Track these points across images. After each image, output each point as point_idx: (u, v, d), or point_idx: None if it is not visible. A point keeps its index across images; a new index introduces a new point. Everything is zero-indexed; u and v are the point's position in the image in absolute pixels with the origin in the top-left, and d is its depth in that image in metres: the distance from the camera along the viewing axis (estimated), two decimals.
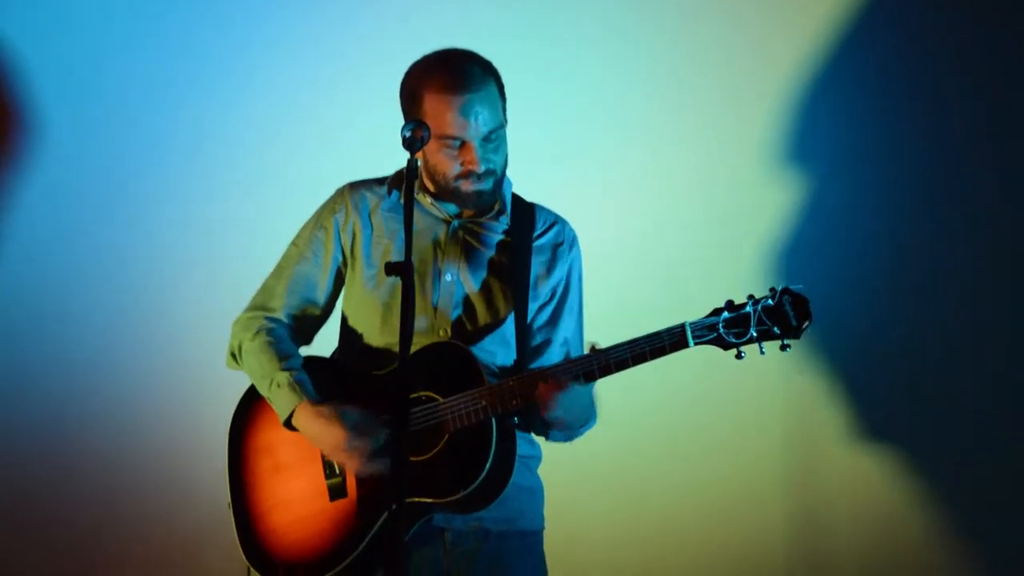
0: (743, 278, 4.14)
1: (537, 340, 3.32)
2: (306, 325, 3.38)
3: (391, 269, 2.90)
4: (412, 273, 2.88)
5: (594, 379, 3.11)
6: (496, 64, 3.26)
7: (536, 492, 3.35)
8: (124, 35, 4.52)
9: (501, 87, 3.24)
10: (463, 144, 3.19)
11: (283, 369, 3.22)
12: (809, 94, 4.29)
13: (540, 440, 3.36)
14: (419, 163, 3.30)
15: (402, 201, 3.29)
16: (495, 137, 3.21)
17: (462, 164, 3.20)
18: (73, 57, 4.51)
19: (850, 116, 4.29)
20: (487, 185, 3.23)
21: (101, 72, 4.52)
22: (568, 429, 3.22)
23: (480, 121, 3.17)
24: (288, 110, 4.49)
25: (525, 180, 3.41)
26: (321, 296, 3.36)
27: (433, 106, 3.18)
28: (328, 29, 4.49)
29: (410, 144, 3.01)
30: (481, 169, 3.20)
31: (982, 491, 4.24)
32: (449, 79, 3.17)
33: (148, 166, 4.52)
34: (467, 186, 3.22)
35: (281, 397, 3.20)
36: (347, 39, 4.48)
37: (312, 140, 4.47)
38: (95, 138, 4.52)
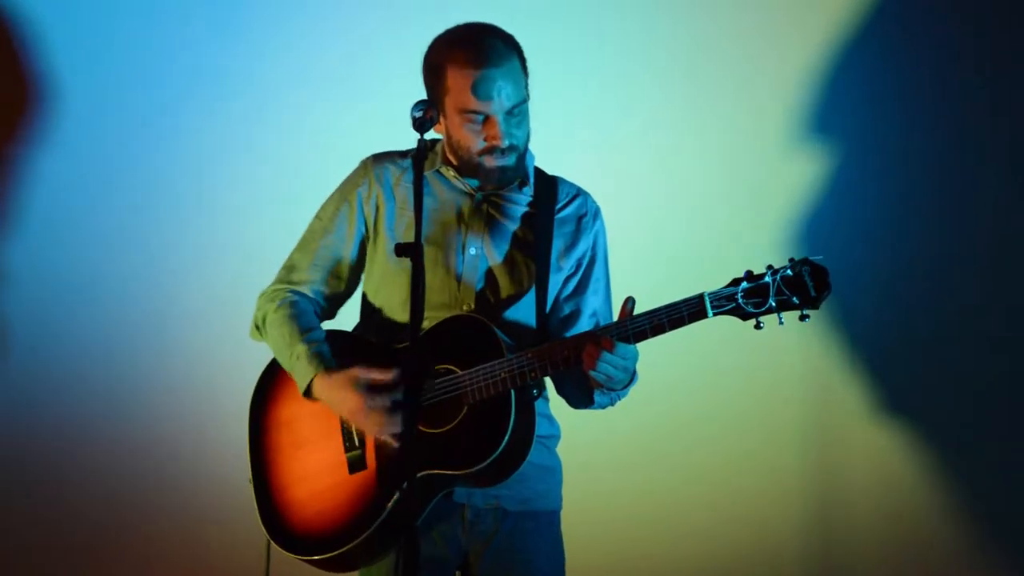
0: (761, 254, 4.12)
1: (565, 311, 3.31)
2: (331, 299, 3.38)
3: (401, 250, 2.91)
4: (422, 254, 2.89)
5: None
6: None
7: (554, 472, 3.34)
8: (130, 27, 4.56)
9: (523, 61, 3.23)
10: (486, 119, 3.18)
11: (304, 341, 3.23)
12: (829, 73, 4.29)
13: (560, 419, 3.36)
14: (441, 137, 3.31)
15: (424, 173, 3.29)
16: (518, 112, 3.20)
17: (485, 139, 3.19)
18: (79, 47, 4.55)
19: (871, 95, 4.28)
20: (510, 160, 3.22)
21: (108, 63, 4.55)
22: (610, 391, 3.19)
23: (504, 96, 3.17)
24: (302, 94, 4.53)
25: (546, 161, 3.40)
26: (346, 270, 3.36)
27: (456, 81, 3.18)
28: (342, 11, 4.51)
29: (420, 125, 3.03)
30: (504, 144, 3.19)
31: (1002, 471, 4.22)
32: (472, 54, 3.17)
33: (162, 153, 4.56)
34: (490, 162, 3.22)
35: (301, 368, 3.21)
36: (361, 21, 4.50)
37: (324, 125, 4.50)
38: (101, 131, 4.55)
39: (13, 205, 4.54)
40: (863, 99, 4.29)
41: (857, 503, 4.27)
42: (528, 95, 3.23)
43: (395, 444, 3.14)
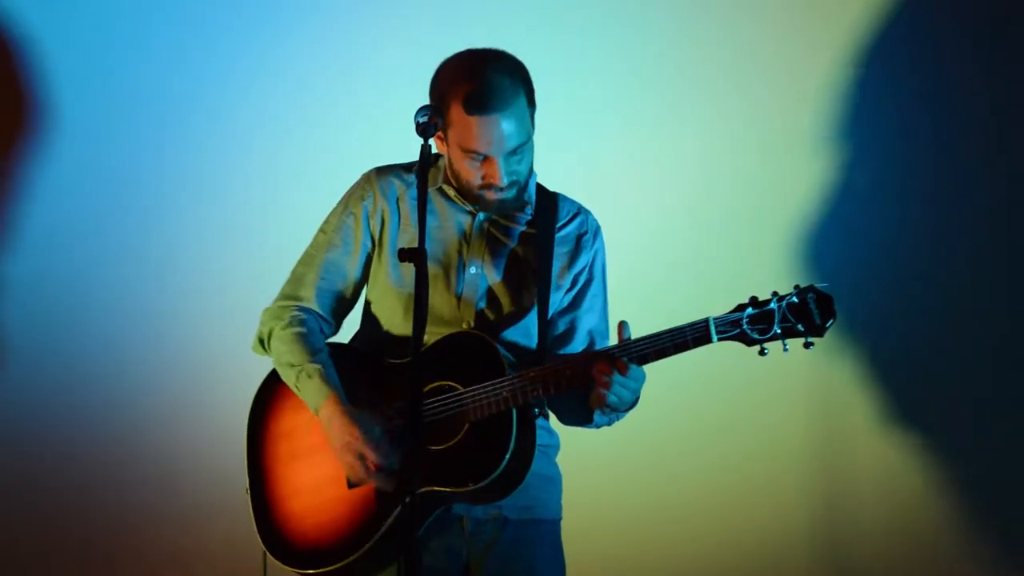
0: (768, 271, 4.18)
1: (560, 328, 3.31)
2: (336, 312, 3.37)
3: (405, 255, 2.91)
4: (426, 259, 2.88)
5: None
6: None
7: (554, 481, 3.35)
8: (133, 31, 4.52)
9: (531, 96, 3.19)
10: (486, 158, 3.16)
11: (313, 362, 3.22)
12: (844, 82, 4.31)
13: (558, 429, 3.36)
14: (444, 156, 3.30)
15: (429, 188, 3.30)
16: (520, 151, 3.18)
17: (484, 177, 3.18)
18: (81, 49, 4.51)
19: (881, 105, 4.32)
20: (510, 195, 3.21)
21: (111, 66, 4.52)
22: (613, 412, 3.19)
23: (506, 138, 3.13)
24: (303, 100, 4.51)
25: (547, 174, 3.40)
26: (351, 284, 3.35)
27: (459, 118, 3.14)
28: (344, 16, 4.49)
29: (423, 131, 3.01)
30: (504, 183, 3.18)
31: (1007, 481, 4.26)
32: (477, 95, 3.11)
33: (161, 161, 4.53)
34: (490, 196, 3.21)
35: (311, 388, 3.20)
36: (362, 28, 4.47)
37: (327, 131, 4.48)
38: (105, 133, 4.52)
39: (12, 213, 4.50)
40: (868, 107, 4.31)
41: (861, 511, 4.30)
42: (533, 129, 3.21)
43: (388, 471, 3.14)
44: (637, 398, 3.15)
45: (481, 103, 3.11)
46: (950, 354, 4.28)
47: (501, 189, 3.18)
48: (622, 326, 3.12)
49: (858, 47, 4.28)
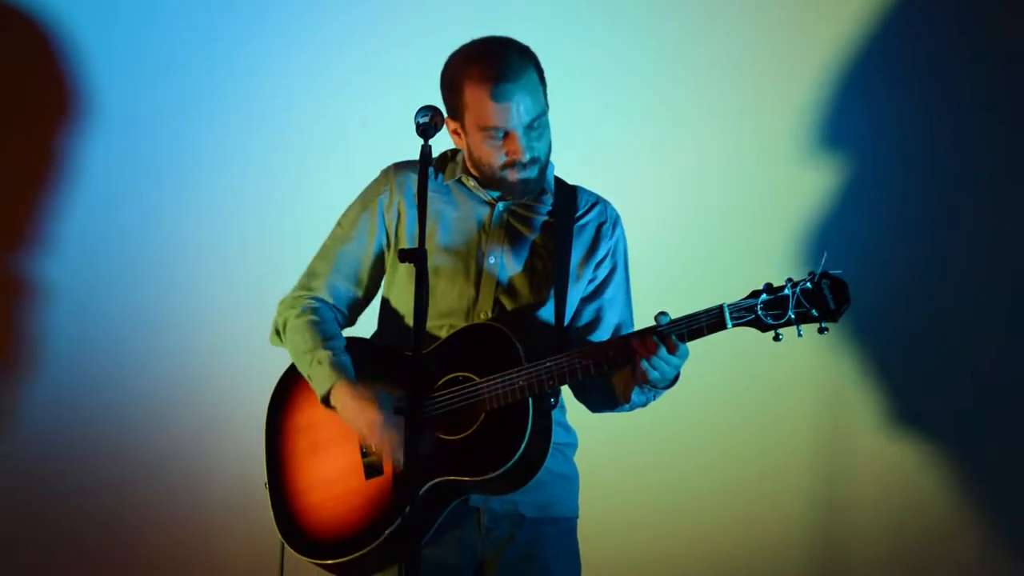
0: (770, 269, 4.15)
1: (584, 319, 3.32)
2: (350, 306, 3.40)
3: (405, 256, 2.94)
4: (426, 259, 2.91)
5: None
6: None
7: (571, 479, 3.35)
8: (131, 36, 4.56)
9: (541, 73, 3.25)
10: (507, 134, 3.20)
11: (325, 348, 3.25)
12: (841, 83, 4.30)
13: (576, 427, 3.37)
14: (462, 150, 3.34)
15: (446, 183, 3.34)
16: (538, 124, 3.21)
17: (507, 154, 3.21)
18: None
19: (882, 103, 4.30)
20: (532, 173, 3.24)
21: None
22: (652, 389, 3.18)
23: (523, 110, 3.18)
24: (308, 103, 4.51)
25: (559, 171, 3.42)
26: (365, 277, 3.38)
27: (474, 98, 3.19)
28: (349, 17, 4.51)
29: (424, 131, 3.04)
30: (526, 158, 3.21)
31: (1012, 484, 4.23)
32: (489, 70, 3.18)
33: (164, 165, 4.55)
34: (513, 175, 3.24)
35: (321, 374, 3.23)
36: (367, 31, 4.50)
37: (331, 135, 4.50)
38: (104, 138, 4.55)
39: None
40: (868, 108, 4.30)
41: (865, 511, 4.28)
42: (547, 106, 3.25)
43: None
44: (678, 375, 3.15)
45: (495, 76, 3.16)
46: (957, 354, 4.24)
47: (524, 166, 3.21)
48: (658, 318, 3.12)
49: (858, 47, 4.28)
